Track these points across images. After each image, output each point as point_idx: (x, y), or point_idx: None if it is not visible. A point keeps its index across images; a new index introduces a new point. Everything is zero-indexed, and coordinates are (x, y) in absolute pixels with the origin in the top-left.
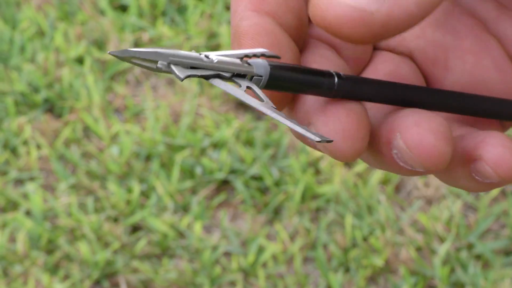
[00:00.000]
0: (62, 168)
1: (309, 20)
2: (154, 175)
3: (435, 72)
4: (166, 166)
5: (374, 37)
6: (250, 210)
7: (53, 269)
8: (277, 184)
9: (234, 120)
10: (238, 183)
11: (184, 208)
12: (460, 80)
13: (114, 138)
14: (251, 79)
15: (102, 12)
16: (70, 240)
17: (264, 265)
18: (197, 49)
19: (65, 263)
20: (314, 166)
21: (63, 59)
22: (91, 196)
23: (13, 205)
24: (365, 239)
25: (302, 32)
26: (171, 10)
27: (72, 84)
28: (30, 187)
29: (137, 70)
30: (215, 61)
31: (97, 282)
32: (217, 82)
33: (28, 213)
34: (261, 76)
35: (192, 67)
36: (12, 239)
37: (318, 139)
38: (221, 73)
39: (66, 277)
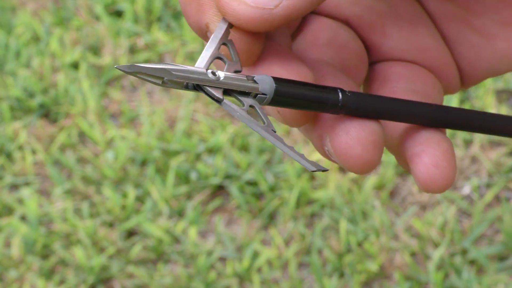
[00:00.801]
0: (58, 173)
1: None
2: (150, 180)
3: (373, 38)
4: (162, 171)
5: (277, 27)
6: (245, 215)
7: (48, 274)
8: (272, 189)
9: (229, 126)
10: (233, 189)
11: (179, 213)
12: (398, 46)
13: (110, 143)
14: (255, 96)
15: (97, 18)
16: (66, 245)
17: (259, 270)
18: (192, 55)
19: (60, 268)
20: (308, 171)
21: (59, 64)
22: (86, 201)
23: (8, 210)
24: (359, 244)
25: None
26: (166, 16)
27: (68, 89)
28: (25, 192)
29: (132, 76)
30: (222, 78)
31: (92, 287)
32: (226, 105)
33: (23, 218)
34: (265, 95)
35: (198, 85)
36: (7, 244)
37: (313, 168)
38: (217, 95)
39: (61, 282)
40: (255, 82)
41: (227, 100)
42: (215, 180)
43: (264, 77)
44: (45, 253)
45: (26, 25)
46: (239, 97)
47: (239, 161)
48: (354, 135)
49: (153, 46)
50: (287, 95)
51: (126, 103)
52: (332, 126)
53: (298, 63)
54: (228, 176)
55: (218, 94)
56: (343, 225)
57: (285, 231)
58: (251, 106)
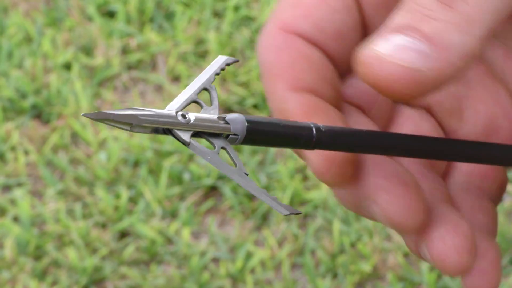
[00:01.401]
0: (50, 174)
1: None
2: (142, 181)
3: (452, 123)
4: (154, 172)
5: (423, 94)
6: (238, 216)
7: (41, 275)
8: (265, 190)
9: None
10: (226, 189)
11: (172, 214)
12: (473, 131)
13: (102, 144)
14: (226, 137)
15: (89, 18)
16: (58, 246)
17: (252, 271)
18: (185, 56)
19: (53, 269)
20: (302, 172)
21: (51, 65)
22: (79, 202)
23: (0, 211)
24: (353, 245)
25: (339, 99)
26: (159, 16)
27: (60, 90)
28: (17, 193)
29: (125, 76)
30: (192, 121)
31: None
32: (193, 147)
33: (15, 219)
34: (237, 135)
35: (167, 129)
36: (0, 245)
37: (286, 212)
38: (184, 138)
39: (54, 283)
40: (226, 122)
41: (196, 142)
42: (208, 181)
43: (236, 116)
44: (38, 254)
45: (18, 26)
46: (210, 139)
47: (232, 161)
48: (449, 243)
49: (146, 47)
50: (259, 134)
51: (118, 104)
52: (429, 232)
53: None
54: (221, 177)
55: (185, 137)
56: (336, 225)
57: (278, 232)
58: (222, 148)
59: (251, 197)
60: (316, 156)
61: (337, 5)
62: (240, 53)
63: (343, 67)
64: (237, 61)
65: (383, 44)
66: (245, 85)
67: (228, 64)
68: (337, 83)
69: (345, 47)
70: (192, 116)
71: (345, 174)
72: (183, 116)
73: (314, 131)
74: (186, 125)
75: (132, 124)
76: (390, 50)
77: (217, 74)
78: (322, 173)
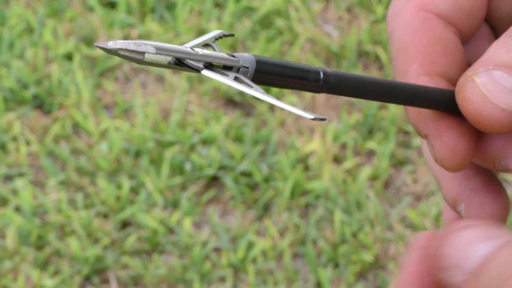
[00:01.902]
0: (52, 165)
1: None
2: (144, 171)
3: None
4: (156, 162)
5: None
6: (240, 206)
7: (43, 265)
8: (267, 180)
9: (224, 117)
10: (228, 179)
11: (174, 204)
12: None
13: (104, 134)
14: (237, 71)
15: (91, 9)
16: (60, 236)
17: (254, 261)
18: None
19: (55, 259)
20: (303, 162)
21: (52, 55)
22: (80, 192)
23: (2, 201)
24: (354, 235)
25: None
26: (160, 7)
27: (61, 80)
28: (19, 183)
29: (126, 67)
30: (201, 52)
31: (87, 278)
32: (207, 72)
33: (17, 209)
34: (247, 68)
35: (178, 59)
36: (2, 235)
37: (311, 116)
38: (197, 64)
39: (56, 273)
40: (235, 57)
41: (209, 71)
42: (210, 171)
43: (244, 54)
44: (40, 244)
45: (19, 17)
46: (223, 71)
47: (233, 152)
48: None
49: (147, 37)
50: (268, 69)
51: (120, 94)
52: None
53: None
54: (222, 167)
55: (199, 65)
56: (338, 215)
57: (280, 221)
58: (236, 78)
59: (252, 187)
60: (441, 145)
61: None
62: (241, 43)
63: (468, 38)
64: (232, 35)
65: (486, 82)
66: None
67: (224, 36)
68: (466, 66)
69: (475, 22)
70: (201, 50)
71: (467, 162)
72: (193, 49)
73: (322, 74)
74: (197, 55)
75: (144, 53)
76: (493, 91)
77: (216, 39)
78: (446, 162)
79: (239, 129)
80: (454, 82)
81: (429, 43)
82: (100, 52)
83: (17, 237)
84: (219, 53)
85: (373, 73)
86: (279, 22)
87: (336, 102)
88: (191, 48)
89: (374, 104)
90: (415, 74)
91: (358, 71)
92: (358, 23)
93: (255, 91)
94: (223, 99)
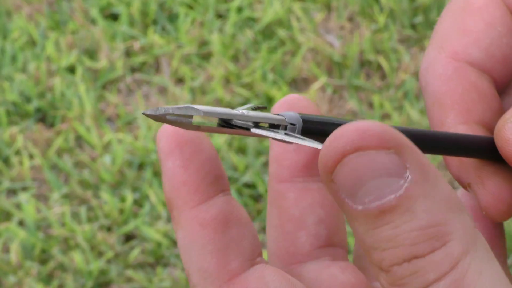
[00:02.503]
0: (55, 178)
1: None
2: (147, 184)
3: None
4: (159, 174)
5: None
6: None
7: (47, 279)
8: None
9: None
10: (231, 191)
11: None
12: None
13: (107, 147)
14: (285, 128)
15: (93, 21)
16: (64, 250)
17: None
18: (188, 58)
19: (59, 273)
20: None
21: (55, 68)
22: (84, 205)
23: (6, 215)
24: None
25: None
26: (162, 19)
27: (64, 93)
28: (23, 197)
29: (129, 79)
30: (247, 113)
31: None
32: (257, 130)
33: (21, 223)
34: (294, 125)
35: (225, 121)
36: (6, 249)
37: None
38: (248, 122)
39: (60, 286)
40: (281, 116)
41: (258, 129)
42: None
43: (289, 112)
44: (44, 258)
45: (21, 29)
46: (271, 130)
47: (236, 163)
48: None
49: (149, 49)
50: (313, 126)
51: (122, 107)
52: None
53: None
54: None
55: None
56: None
57: None
58: (286, 133)
59: (256, 199)
60: (485, 194)
61: (503, 29)
62: (243, 54)
63: (503, 87)
64: (265, 107)
65: None
66: (248, 86)
67: (258, 108)
68: (502, 113)
69: (509, 70)
70: (248, 112)
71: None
72: (238, 110)
73: None
74: (243, 116)
75: (192, 116)
76: None
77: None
78: (491, 211)
79: (242, 141)
80: (492, 130)
81: (464, 91)
82: (102, 64)
83: (20, 251)
84: (265, 114)
85: (376, 82)
86: (281, 32)
87: (339, 111)
88: (237, 110)
89: (377, 113)
90: (452, 124)
91: (361, 81)
92: (360, 32)
93: (309, 142)
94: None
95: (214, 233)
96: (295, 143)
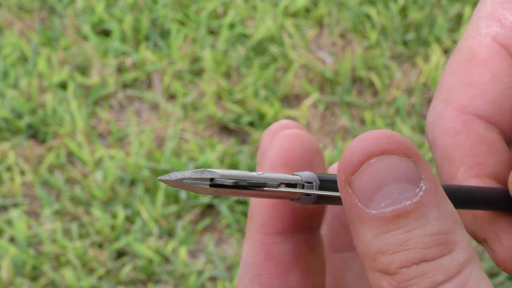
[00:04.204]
0: (46, 194)
1: None
2: (139, 200)
3: None
4: (151, 191)
5: None
6: (235, 234)
7: None
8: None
9: (218, 144)
10: (223, 207)
11: (169, 233)
12: None
13: (98, 163)
14: (302, 187)
15: (85, 37)
16: (55, 267)
17: None
18: (180, 74)
19: None
20: None
21: (46, 84)
22: (75, 222)
23: None
24: None
25: None
26: (154, 35)
27: (56, 109)
28: (14, 213)
29: (121, 95)
30: (266, 175)
31: None
32: (276, 188)
33: (12, 239)
34: (311, 183)
35: (239, 182)
36: None
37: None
38: (269, 182)
39: None
40: (297, 175)
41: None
42: (205, 199)
43: (304, 172)
44: (35, 275)
45: (13, 45)
46: (289, 189)
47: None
48: None
49: (141, 65)
50: (331, 183)
51: (114, 123)
52: None
53: None
54: (217, 195)
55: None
56: None
57: None
58: (306, 194)
59: (248, 215)
60: (501, 249)
61: (510, 80)
62: (235, 70)
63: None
64: (311, 182)
65: None
66: (240, 102)
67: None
68: (511, 164)
69: None
70: (264, 173)
71: None
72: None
73: None
74: (260, 178)
75: (211, 179)
76: None
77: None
78: (508, 265)
79: (234, 157)
80: (503, 182)
81: (473, 145)
82: (94, 80)
83: (11, 268)
84: (281, 174)
85: (367, 99)
86: (273, 49)
87: (331, 128)
88: (254, 172)
89: (369, 130)
90: (464, 178)
91: (352, 97)
92: (351, 49)
93: (327, 192)
94: (217, 127)
95: (274, 268)
96: (315, 196)
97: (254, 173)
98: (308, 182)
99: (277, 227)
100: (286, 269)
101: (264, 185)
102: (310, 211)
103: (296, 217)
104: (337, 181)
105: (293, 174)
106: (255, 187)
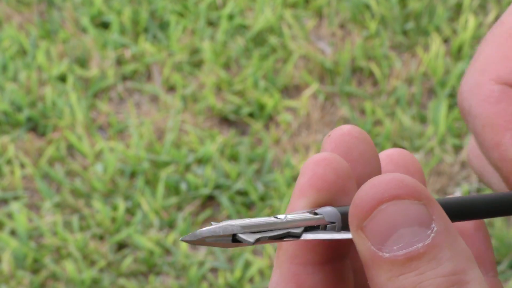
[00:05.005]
0: (47, 187)
1: None
2: (139, 192)
3: None
4: (151, 182)
5: None
6: None
7: None
8: (262, 199)
9: (218, 136)
10: (223, 199)
11: (170, 225)
12: None
13: (98, 155)
14: (324, 228)
15: (83, 30)
16: (56, 259)
17: (251, 280)
18: (180, 66)
19: (51, 282)
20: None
21: (46, 77)
22: (76, 214)
23: None
24: None
25: None
26: (153, 27)
27: (55, 102)
28: (14, 206)
29: (120, 87)
30: (288, 219)
31: None
32: (306, 235)
33: (13, 232)
34: (334, 223)
35: (261, 239)
36: None
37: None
38: (291, 230)
39: None
40: (318, 214)
41: (305, 234)
42: (205, 191)
43: (327, 208)
44: (36, 268)
45: (12, 39)
46: (312, 232)
47: (229, 171)
48: None
49: (140, 57)
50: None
51: (114, 115)
52: None
53: None
54: (218, 186)
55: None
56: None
57: None
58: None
59: (248, 206)
60: None
61: None
62: (235, 61)
63: None
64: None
65: None
66: (240, 93)
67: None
68: None
69: None
70: (283, 216)
71: None
72: (275, 217)
73: None
74: (283, 223)
75: (233, 234)
76: None
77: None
78: None
79: (234, 148)
80: None
81: None
82: (93, 72)
83: (12, 261)
84: (304, 215)
85: (367, 89)
86: (273, 40)
87: (331, 118)
88: (275, 216)
89: (369, 120)
90: (510, 144)
91: (352, 87)
92: (351, 39)
93: (345, 235)
94: (217, 118)
95: None
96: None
97: (276, 220)
98: (331, 222)
99: (309, 258)
100: None
101: (286, 235)
102: (339, 241)
103: (327, 247)
104: (349, 226)
105: (315, 213)
106: (278, 239)
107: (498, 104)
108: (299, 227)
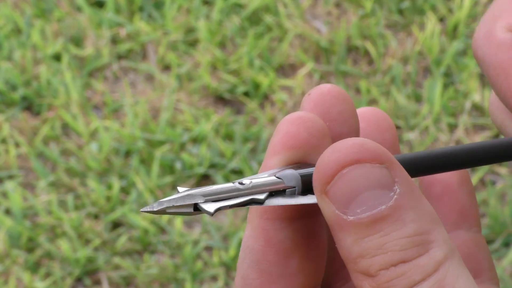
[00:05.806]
0: (42, 166)
1: None
2: (134, 171)
3: None
4: (146, 161)
5: None
6: None
7: (34, 268)
8: None
9: (213, 115)
10: (218, 177)
11: None
12: None
13: (93, 134)
14: (284, 191)
15: (78, 9)
16: (51, 238)
17: None
18: (175, 45)
19: (46, 261)
20: None
21: (40, 56)
22: (71, 193)
23: None
24: None
25: None
26: (148, 5)
27: (50, 81)
28: (9, 185)
29: (115, 66)
30: (250, 185)
31: (79, 279)
32: (269, 201)
33: (7, 211)
34: (294, 187)
35: (221, 208)
36: None
37: None
38: (254, 197)
39: (47, 275)
40: (279, 179)
41: (269, 199)
42: (200, 170)
43: (287, 171)
44: (31, 246)
45: (6, 17)
46: (276, 197)
47: (223, 150)
48: None
49: (136, 36)
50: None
51: (109, 94)
52: None
53: None
54: (213, 165)
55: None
56: None
57: None
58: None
59: None
60: None
61: None
62: (230, 40)
63: None
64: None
65: None
66: (235, 72)
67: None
68: None
69: None
70: (247, 181)
71: None
72: (240, 183)
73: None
74: (245, 191)
75: (196, 203)
76: None
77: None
78: None
79: (229, 127)
80: None
81: None
82: (88, 51)
83: (7, 239)
84: (268, 179)
85: (363, 68)
86: (268, 19)
87: None
88: (239, 182)
89: (364, 99)
90: None
91: (348, 66)
92: (347, 18)
93: (307, 200)
94: (212, 97)
95: (274, 255)
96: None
97: (240, 186)
98: (292, 187)
99: (278, 213)
100: (285, 255)
101: (250, 202)
102: None
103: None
104: (314, 191)
105: (277, 177)
106: (240, 206)
107: (510, 51)
108: (263, 192)
